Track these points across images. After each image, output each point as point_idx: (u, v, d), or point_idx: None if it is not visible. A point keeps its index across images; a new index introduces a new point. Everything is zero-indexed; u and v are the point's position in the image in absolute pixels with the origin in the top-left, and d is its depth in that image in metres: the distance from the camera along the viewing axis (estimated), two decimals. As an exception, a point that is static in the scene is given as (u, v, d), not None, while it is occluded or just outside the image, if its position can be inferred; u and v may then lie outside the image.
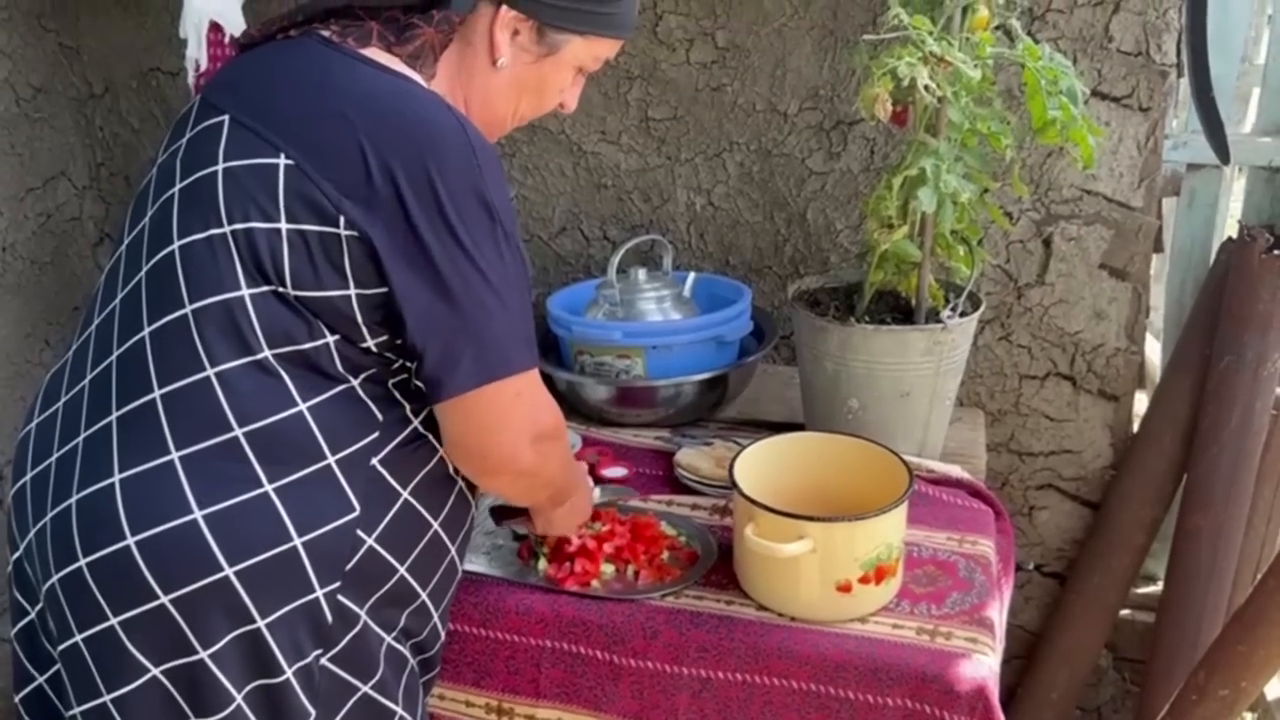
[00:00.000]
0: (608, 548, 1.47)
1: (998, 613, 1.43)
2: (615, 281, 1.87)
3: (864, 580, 1.34)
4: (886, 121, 1.49)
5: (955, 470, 1.68)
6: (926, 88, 1.42)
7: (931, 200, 1.47)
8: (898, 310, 1.70)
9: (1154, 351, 2.29)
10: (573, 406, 1.91)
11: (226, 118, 1.10)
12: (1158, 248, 2.02)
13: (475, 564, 1.47)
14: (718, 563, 1.47)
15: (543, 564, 1.47)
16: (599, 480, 1.69)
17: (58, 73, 2.28)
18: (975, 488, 1.66)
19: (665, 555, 1.48)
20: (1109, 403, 2.06)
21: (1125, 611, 2.17)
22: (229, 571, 1.03)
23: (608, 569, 1.46)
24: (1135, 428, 2.10)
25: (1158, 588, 2.14)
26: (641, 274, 1.91)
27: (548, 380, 1.94)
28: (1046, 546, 2.19)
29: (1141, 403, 2.18)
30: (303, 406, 1.07)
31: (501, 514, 1.47)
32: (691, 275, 1.98)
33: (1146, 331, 2.06)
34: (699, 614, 1.39)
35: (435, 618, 1.23)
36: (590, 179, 2.18)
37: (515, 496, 1.34)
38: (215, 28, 1.77)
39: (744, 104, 2.05)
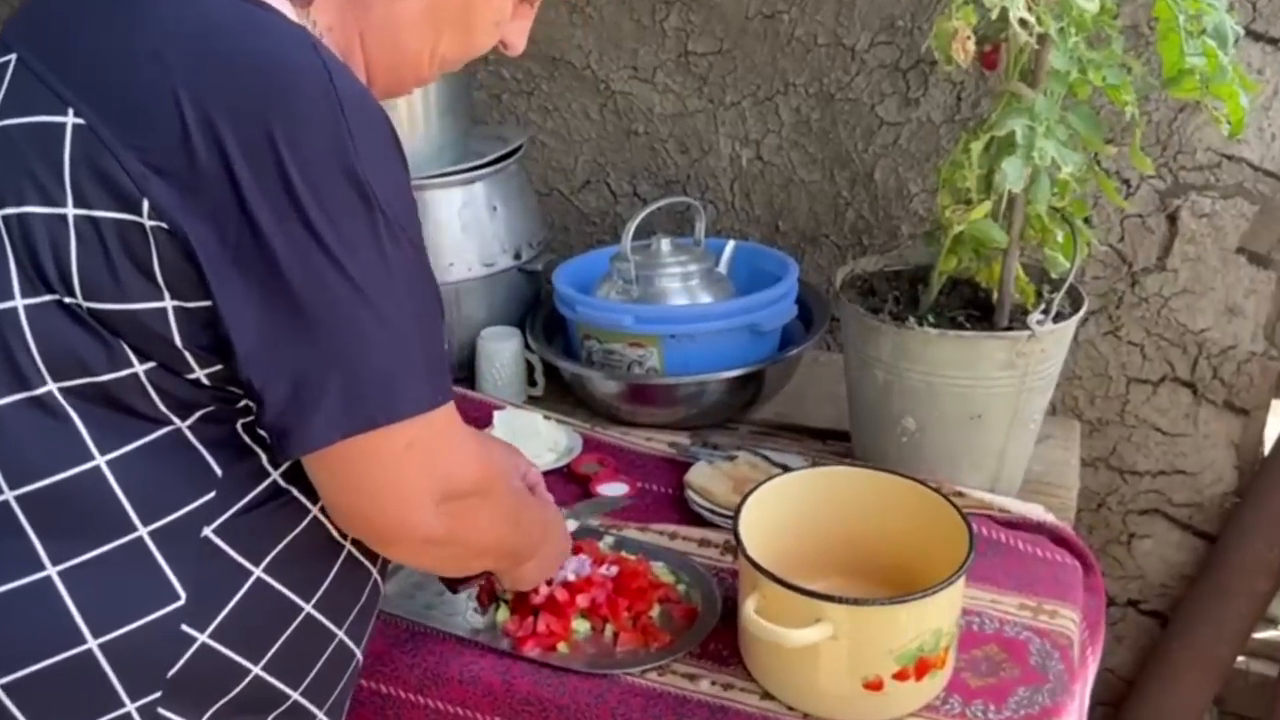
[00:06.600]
0: (582, 600, 1.18)
1: (1076, 715, 1.11)
2: (630, 253, 1.55)
3: (900, 676, 1.03)
4: (968, 65, 1.16)
5: (1036, 511, 1.35)
6: (1023, 21, 1.09)
7: (1019, 176, 1.12)
8: (974, 306, 1.36)
9: (1296, 354, 1.93)
10: (580, 399, 1.62)
11: (13, 58, 0.81)
12: (1313, 229, 1.66)
13: (413, 610, 1.20)
14: (719, 625, 1.17)
15: (503, 613, 1.19)
16: (591, 496, 1.41)
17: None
18: (1061, 534, 1.33)
19: (655, 613, 1.19)
20: (1236, 417, 1.74)
21: (1240, 659, 1.85)
22: None
23: (581, 626, 1.17)
24: (1266, 449, 1.77)
25: (1278, 633, 1.83)
26: (665, 244, 1.59)
27: (550, 368, 1.66)
28: (1147, 581, 1.87)
29: (1277, 420, 1.84)
30: (100, 460, 0.77)
31: (455, 582, 1.16)
32: (730, 244, 1.65)
33: (1290, 332, 1.71)
34: (686, 699, 1.09)
35: (321, 715, 0.95)
36: (619, 124, 1.88)
37: (436, 568, 1.05)
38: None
39: (803, 36, 1.73)
